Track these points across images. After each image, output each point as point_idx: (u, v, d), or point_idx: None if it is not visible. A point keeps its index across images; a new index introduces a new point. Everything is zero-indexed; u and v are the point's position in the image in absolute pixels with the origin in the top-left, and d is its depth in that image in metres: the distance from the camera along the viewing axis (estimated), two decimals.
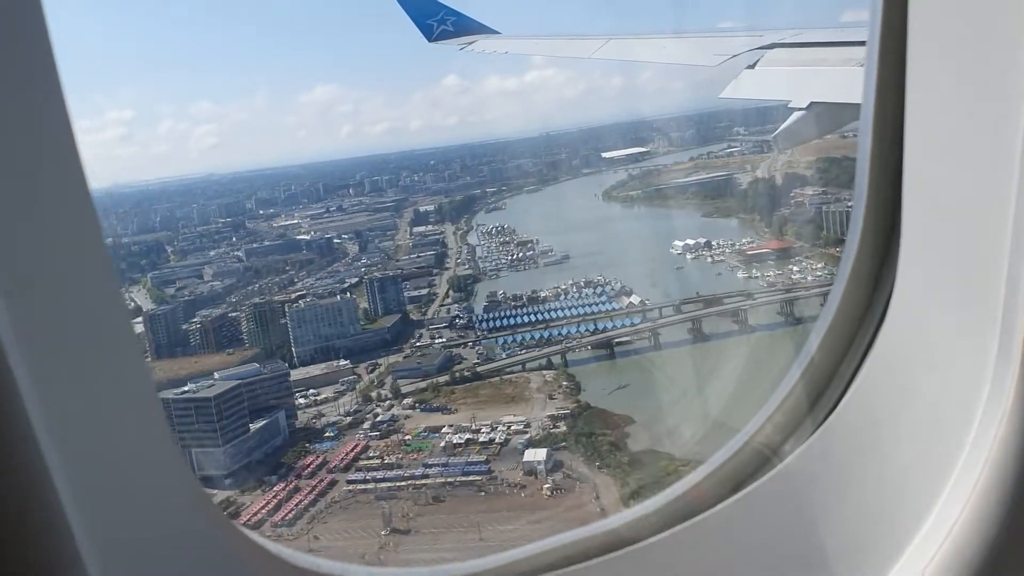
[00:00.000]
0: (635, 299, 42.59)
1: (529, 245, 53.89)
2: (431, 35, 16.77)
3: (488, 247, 54.24)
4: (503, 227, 59.34)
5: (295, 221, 57.04)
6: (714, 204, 57.39)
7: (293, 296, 41.43)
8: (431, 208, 63.95)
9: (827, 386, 2.23)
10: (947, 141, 1.81)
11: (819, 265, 47.37)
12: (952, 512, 1.77)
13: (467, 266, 49.01)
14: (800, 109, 8.54)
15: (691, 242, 52.32)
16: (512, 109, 74.78)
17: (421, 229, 58.03)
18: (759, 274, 46.79)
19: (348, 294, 41.98)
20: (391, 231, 56.88)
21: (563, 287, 43.86)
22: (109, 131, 61.49)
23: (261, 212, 59.01)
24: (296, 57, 79.58)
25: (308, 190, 68.49)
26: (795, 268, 48.09)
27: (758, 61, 9.92)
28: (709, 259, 48.84)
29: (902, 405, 2.04)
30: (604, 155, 73.92)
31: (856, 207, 2.13)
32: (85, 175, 1.42)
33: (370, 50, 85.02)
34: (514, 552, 2.02)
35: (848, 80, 8.11)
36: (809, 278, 45.18)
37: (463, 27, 16.88)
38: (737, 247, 52.33)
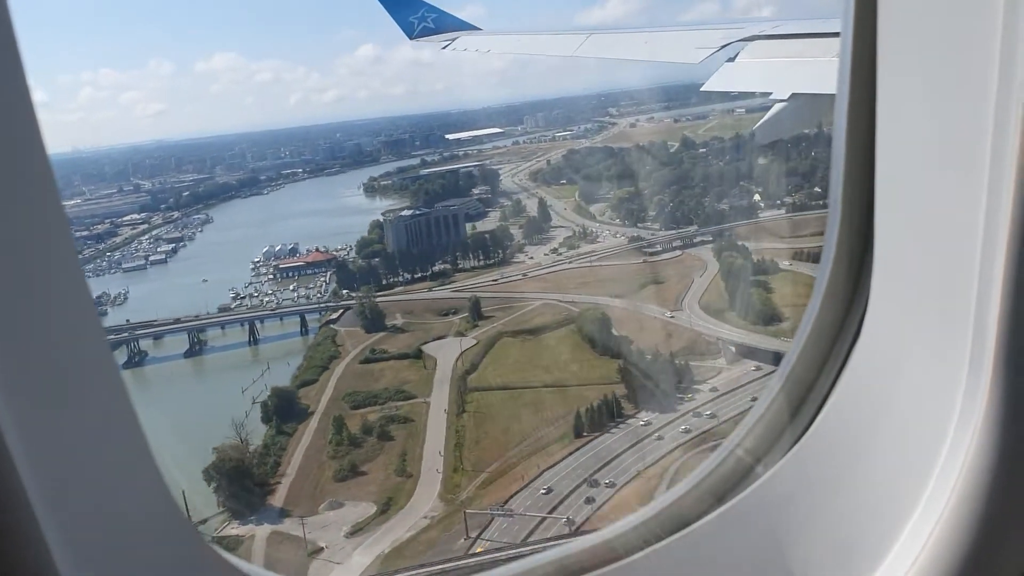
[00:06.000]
0: None
1: (162, 244, 55.38)
2: (412, 32, 16.87)
3: (139, 244, 55.87)
4: (204, 219, 62.03)
5: (73, 202, 60.02)
6: (421, 198, 56.46)
7: None
8: (201, 191, 67.76)
9: (805, 399, 2.24)
10: (918, 158, 1.81)
11: (318, 283, 45.93)
12: (927, 524, 1.80)
13: None
14: (781, 101, 8.66)
15: (277, 248, 52.25)
16: (458, 80, 76.91)
17: (136, 217, 59.95)
18: (252, 292, 46.24)
19: None
20: (117, 218, 59.17)
21: None
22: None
23: (83, 190, 63.09)
24: (174, 26, 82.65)
25: (156, 166, 74.87)
26: (291, 287, 47.02)
27: (739, 54, 9.97)
28: (265, 270, 48.56)
29: (878, 418, 2.04)
30: (449, 136, 73.84)
31: (831, 223, 2.12)
32: (52, 172, 1.31)
33: (261, 19, 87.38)
34: (502, 570, 2.01)
35: (829, 71, 7.54)
36: (270, 302, 44.27)
37: (444, 24, 16.93)
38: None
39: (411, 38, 16.60)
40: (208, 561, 1.67)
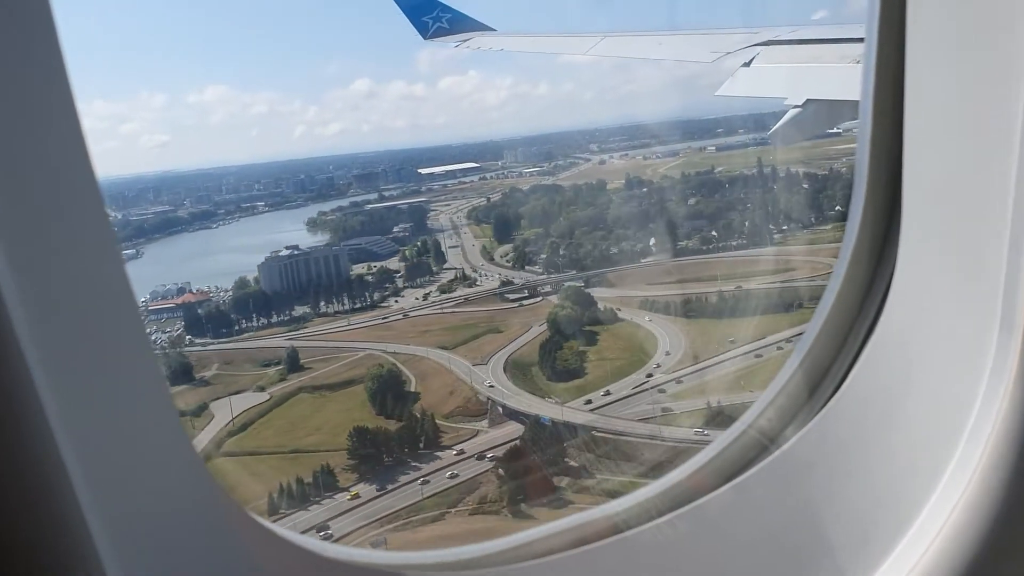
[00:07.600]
0: None
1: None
2: (426, 32, 16.63)
3: None
4: (132, 255, 59.67)
5: None
6: (341, 235, 55.44)
7: None
8: (147, 225, 65.42)
9: (827, 371, 2.20)
10: (947, 120, 1.81)
11: (177, 328, 43.34)
12: (957, 487, 1.77)
13: None
14: (796, 107, 8.56)
15: (166, 287, 49.51)
16: (461, 115, 73.67)
17: None
18: None
19: None
20: None
21: None
22: None
23: None
24: (159, 58, 79.06)
25: (135, 197, 72.94)
26: (149, 331, 44.01)
27: (754, 58, 9.93)
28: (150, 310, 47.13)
29: (904, 388, 2.02)
30: (421, 171, 71.05)
31: (856, 189, 2.09)
32: (93, 168, 1.35)
33: (250, 52, 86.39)
34: (515, 537, 2.03)
35: (844, 77, 8.15)
36: None
37: (459, 24, 16.67)
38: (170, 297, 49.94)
39: (425, 38, 16.48)
40: (241, 525, 1.70)
